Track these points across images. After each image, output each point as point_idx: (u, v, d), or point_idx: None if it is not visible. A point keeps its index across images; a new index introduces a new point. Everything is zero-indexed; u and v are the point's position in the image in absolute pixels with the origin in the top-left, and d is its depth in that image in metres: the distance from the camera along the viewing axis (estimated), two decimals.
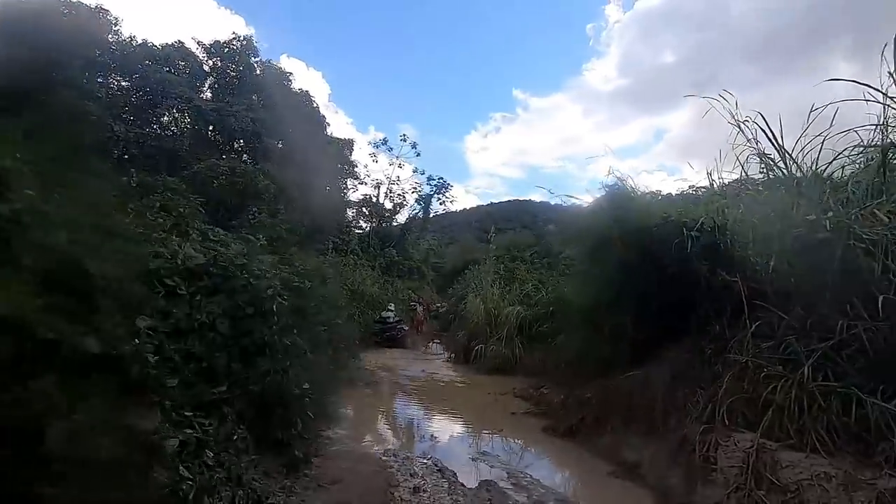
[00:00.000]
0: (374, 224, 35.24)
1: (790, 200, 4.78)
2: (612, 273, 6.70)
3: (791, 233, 4.53)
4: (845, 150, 4.96)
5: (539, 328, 10.71)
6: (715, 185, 6.55)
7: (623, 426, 5.21)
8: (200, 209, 14.47)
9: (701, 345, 5.38)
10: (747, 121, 5.20)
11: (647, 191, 7.59)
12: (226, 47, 20.42)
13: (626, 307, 6.55)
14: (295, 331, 6.17)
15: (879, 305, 3.45)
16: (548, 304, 10.97)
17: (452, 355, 13.68)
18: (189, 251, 3.80)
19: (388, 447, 4.93)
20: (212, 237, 9.33)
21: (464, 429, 6.30)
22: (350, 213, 34.41)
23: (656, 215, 6.17)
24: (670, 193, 9.15)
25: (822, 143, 4.96)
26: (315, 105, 22.67)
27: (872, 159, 4.66)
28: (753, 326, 4.63)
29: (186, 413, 2.97)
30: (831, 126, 4.89)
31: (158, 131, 18.74)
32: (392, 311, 16.67)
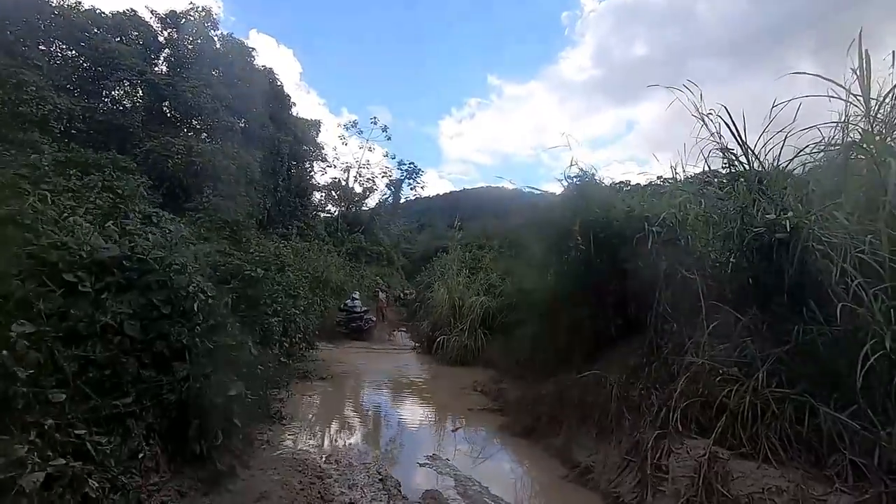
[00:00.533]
0: (342, 208, 34.58)
1: (751, 197, 4.63)
2: (571, 265, 6.54)
3: (751, 231, 4.39)
4: (807, 147, 4.82)
5: (503, 319, 10.54)
6: (678, 179, 6.39)
7: (577, 426, 5.06)
8: (144, 191, 13.67)
9: (658, 343, 5.26)
10: (710, 113, 5.00)
11: (611, 182, 7.44)
12: (182, 18, 19.27)
13: (585, 301, 6.40)
14: (237, 324, 5.83)
15: (837, 311, 3.31)
16: (511, 295, 10.80)
17: (417, 346, 13.44)
18: (97, 241, 3.35)
19: (332, 452, 4.61)
20: (154, 221, 8.85)
21: (418, 428, 6.04)
22: (318, 196, 33.66)
23: (619, 209, 6.00)
24: (638, 184, 9.00)
25: (785, 139, 4.82)
26: (279, 83, 21.74)
27: (834, 157, 4.54)
28: (710, 326, 4.50)
29: (78, 432, 2.59)
30: (794, 122, 4.74)
31: (108, 105, 17.59)
32: (357, 298, 15.77)
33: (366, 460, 4.47)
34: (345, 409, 6.84)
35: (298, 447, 4.60)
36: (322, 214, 33.12)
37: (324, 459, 4.34)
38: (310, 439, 5.02)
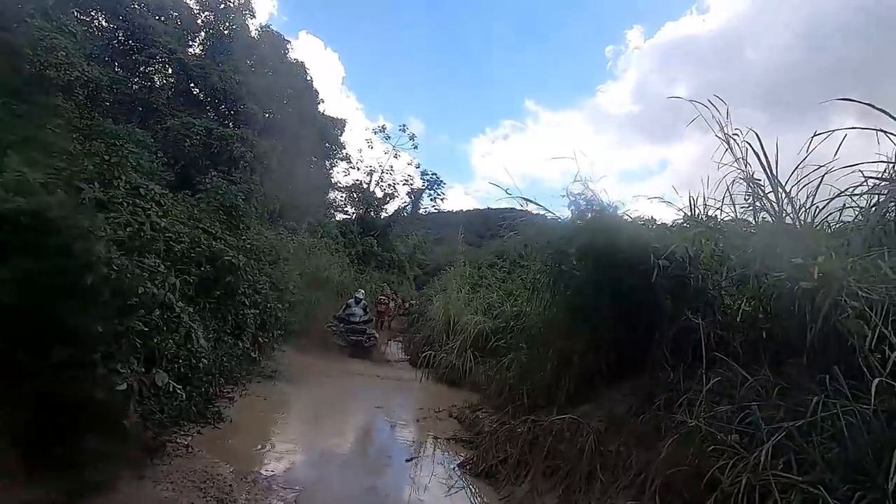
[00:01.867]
0: (360, 211, 34.38)
1: (776, 237, 3.95)
2: (566, 291, 5.90)
3: (771, 276, 3.71)
4: (848, 189, 4.13)
5: (497, 342, 9.88)
6: (698, 213, 5.71)
7: (544, 477, 4.36)
8: (158, 166, 13.46)
9: (651, 391, 4.56)
10: (736, 135, 4.33)
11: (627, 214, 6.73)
12: (221, 3, 19.37)
13: (577, 332, 5.75)
14: (190, 310, 5.34)
15: (870, 387, 2.61)
16: (508, 318, 10.14)
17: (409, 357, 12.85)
18: None
19: (255, 469, 4.02)
20: (142, 193, 8.50)
21: (369, 452, 5.41)
22: (337, 196, 33.54)
23: (624, 235, 5.34)
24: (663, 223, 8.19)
25: (822, 178, 4.13)
26: (309, 78, 21.67)
27: (880, 200, 3.84)
28: (711, 382, 3.80)
29: None
30: (834, 160, 4.07)
31: (138, 80, 17.67)
32: (362, 298, 13.38)
33: (290, 483, 3.86)
34: (295, 418, 6.20)
35: (216, 458, 4.01)
36: (340, 215, 32.97)
37: (239, 475, 3.75)
38: (238, 449, 4.43)
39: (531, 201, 6.21)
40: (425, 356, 10.73)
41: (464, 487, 4.72)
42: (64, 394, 2.72)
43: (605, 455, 4.03)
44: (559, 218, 6.05)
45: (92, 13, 17.06)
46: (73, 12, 16.37)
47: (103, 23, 17.08)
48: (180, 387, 4.45)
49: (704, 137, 4.90)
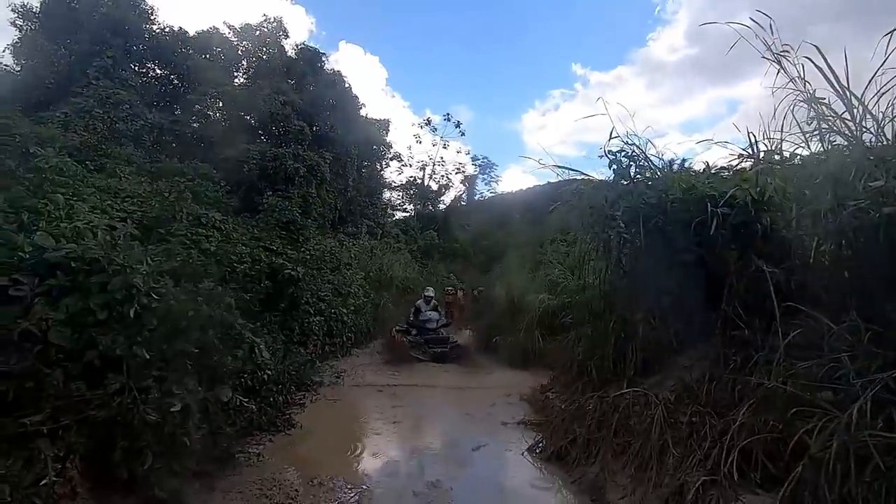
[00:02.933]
0: (418, 207, 34.79)
1: (851, 161, 3.40)
2: (620, 259, 5.52)
3: (849, 206, 3.20)
4: None
5: (563, 319, 9.55)
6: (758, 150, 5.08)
7: (614, 456, 4.11)
8: (222, 195, 14.29)
9: (725, 353, 4.14)
10: (786, 52, 3.74)
11: (668, 158, 6.13)
12: (257, 30, 20.26)
13: (639, 301, 5.37)
14: (251, 326, 5.59)
15: None
16: (573, 293, 9.75)
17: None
18: (42, 240, 3.13)
19: (322, 469, 4.12)
20: (203, 221, 9.06)
21: (434, 444, 5.37)
22: (394, 195, 34.17)
23: (674, 188, 4.89)
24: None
25: None
26: (347, 86, 22.12)
27: None
28: (791, 336, 3.36)
29: None
30: None
31: (193, 118, 18.95)
32: (432, 297, 11.49)
33: (353, 484, 3.92)
34: (361, 419, 6.24)
35: (286, 464, 4.16)
36: (399, 213, 33.55)
37: (306, 481, 3.86)
38: (307, 453, 4.57)
39: (569, 168, 5.86)
40: (494, 342, 10.65)
41: (524, 475, 4.55)
42: (124, 418, 2.92)
43: (676, 427, 3.71)
44: (605, 180, 5.66)
45: (148, 64, 18.51)
46: (131, 66, 17.87)
47: (157, 71, 18.48)
48: (247, 399, 4.69)
49: (772, 68, 4.29)
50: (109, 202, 7.71)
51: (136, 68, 17.95)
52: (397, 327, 10.87)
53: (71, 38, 16.98)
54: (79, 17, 17.19)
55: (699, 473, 3.11)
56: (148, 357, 3.04)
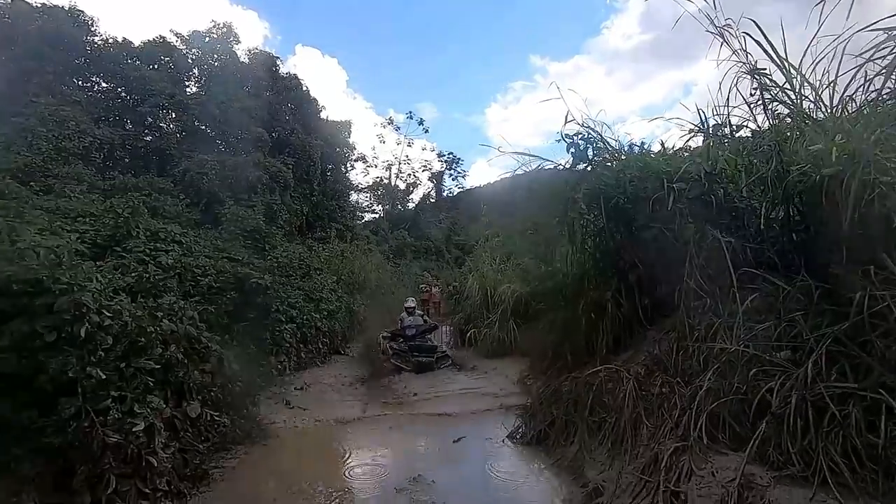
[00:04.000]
0: (387, 207, 34.58)
1: (792, 127, 3.53)
2: (585, 241, 5.61)
3: (793, 171, 3.32)
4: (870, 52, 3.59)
5: (537, 306, 9.65)
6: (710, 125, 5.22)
7: (591, 434, 4.17)
8: (182, 208, 13.87)
9: (689, 324, 4.25)
10: (728, 27, 3.86)
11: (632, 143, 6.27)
12: (206, 36, 19.68)
13: (605, 280, 5.47)
14: (218, 338, 5.43)
15: None
16: (544, 279, 9.87)
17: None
18: None
19: (298, 477, 4.00)
20: (162, 237, 8.76)
21: (417, 441, 5.32)
22: (362, 197, 33.86)
23: (631, 167, 4.99)
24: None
25: (841, 60, 3.58)
26: (305, 88, 21.76)
27: None
28: (749, 300, 3.48)
29: None
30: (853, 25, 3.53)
31: (145, 131, 18.28)
32: (413, 306, 10.91)
33: (331, 488, 3.85)
34: (338, 424, 6.03)
35: (263, 475, 4.05)
36: (368, 215, 33.27)
37: (282, 490, 3.77)
38: (283, 463, 4.47)
39: (528, 154, 5.91)
40: (470, 334, 10.68)
41: (504, 463, 4.58)
42: (82, 443, 2.78)
43: (647, 399, 3.79)
44: (563, 166, 5.72)
45: (92, 78, 17.72)
46: (74, 81, 17.08)
47: (103, 84, 17.70)
48: (218, 414, 4.56)
49: (727, 49, 4.38)
50: (59, 223, 7.35)
51: (80, 83, 17.19)
52: (384, 333, 10.38)
53: (6, 54, 16.10)
54: (12, 32, 16.30)
55: (671, 441, 3.18)
56: (104, 377, 2.91)
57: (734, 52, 3.83)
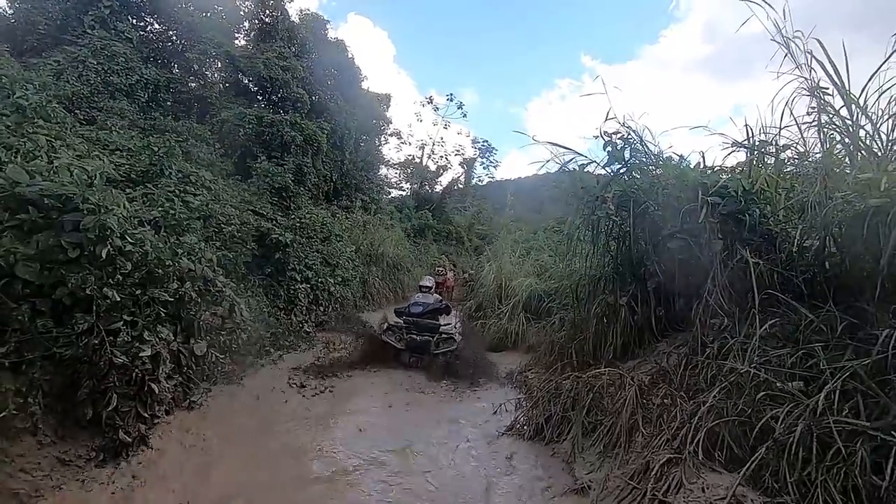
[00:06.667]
0: (415, 186, 34.57)
1: (841, 152, 3.38)
2: (607, 242, 5.52)
3: (836, 198, 3.18)
4: None
5: (549, 303, 9.58)
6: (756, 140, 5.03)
7: (586, 433, 4.14)
8: (178, 149, 14.13)
9: (703, 341, 4.16)
10: (797, 37, 3.67)
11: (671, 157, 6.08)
12: None
13: (622, 285, 5.38)
14: (233, 284, 5.54)
15: None
16: (561, 278, 9.78)
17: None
18: (14, 174, 3.03)
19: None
20: (193, 180, 8.93)
21: (410, 424, 5.24)
22: (391, 172, 33.90)
23: (667, 174, 4.86)
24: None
25: None
26: (351, 56, 21.74)
27: None
28: (767, 325, 3.38)
29: None
30: None
31: (190, 77, 18.55)
32: (430, 286, 9.72)
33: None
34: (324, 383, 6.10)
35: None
36: (395, 192, 33.32)
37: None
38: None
39: (563, 146, 5.78)
40: (476, 323, 10.68)
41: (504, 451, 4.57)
42: (91, 359, 2.88)
43: (647, 408, 3.74)
44: (597, 163, 5.61)
45: (146, 18, 17.99)
46: (128, 19, 17.37)
47: (156, 25, 17.97)
48: (223, 356, 4.67)
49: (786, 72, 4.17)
50: (97, 153, 7.54)
51: (135, 21, 17.46)
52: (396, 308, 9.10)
53: None
54: None
55: (665, 452, 3.13)
56: (119, 300, 2.99)
57: (797, 66, 3.66)
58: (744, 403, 3.11)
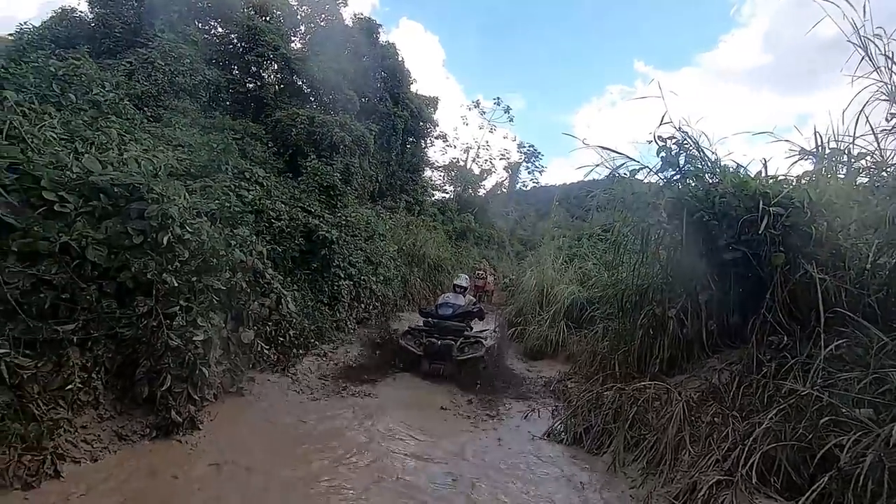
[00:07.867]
0: (458, 189, 34.65)
1: None
2: (658, 251, 5.32)
3: None
4: None
5: (592, 312, 9.34)
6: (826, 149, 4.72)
7: (627, 447, 3.99)
8: (270, 155, 14.68)
9: (759, 359, 3.93)
10: (878, 36, 3.41)
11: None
12: None
13: (671, 296, 5.16)
14: (280, 278, 5.71)
15: None
16: (605, 287, 9.52)
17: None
18: (89, 164, 3.24)
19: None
20: (247, 176, 9.29)
21: (449, 431, 5.17)
22: (435, 175, 34.14)
23: (727, 181, 4.63)
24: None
25: None
26: (401, 59, 22.09)
27: None
28: (833, 345, 3.15)
29: None
30: None
31: (248, 78, 19.39)
32: (465, 286, 9.17)
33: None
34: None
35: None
36: (439, 194, 33.53)
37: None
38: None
39: (615, 151, 5.61)
40: (514, 329, 10.56)
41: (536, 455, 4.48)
42: (149, 340, 3.04)
43: (696, 426, 3.56)
44: (649, 169, 5.41)
45: (210, 22, 18.98)
46: (194, 23, 18.38)
47: (219, 29, 18.93)
48: (268, 347, 4.81)
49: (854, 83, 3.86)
50: (161, 148, 7.99)
51: (200, 25, 18.44)
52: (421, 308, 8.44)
53: None
54: None
55: (714, 473, 2.97)
56: (176, 285, 3.14)
57: (875, 69, 3.40)
58: (804, 428, 2.91)
